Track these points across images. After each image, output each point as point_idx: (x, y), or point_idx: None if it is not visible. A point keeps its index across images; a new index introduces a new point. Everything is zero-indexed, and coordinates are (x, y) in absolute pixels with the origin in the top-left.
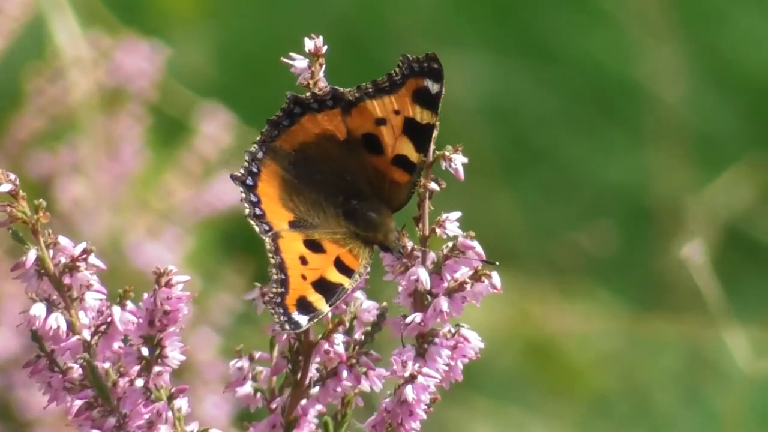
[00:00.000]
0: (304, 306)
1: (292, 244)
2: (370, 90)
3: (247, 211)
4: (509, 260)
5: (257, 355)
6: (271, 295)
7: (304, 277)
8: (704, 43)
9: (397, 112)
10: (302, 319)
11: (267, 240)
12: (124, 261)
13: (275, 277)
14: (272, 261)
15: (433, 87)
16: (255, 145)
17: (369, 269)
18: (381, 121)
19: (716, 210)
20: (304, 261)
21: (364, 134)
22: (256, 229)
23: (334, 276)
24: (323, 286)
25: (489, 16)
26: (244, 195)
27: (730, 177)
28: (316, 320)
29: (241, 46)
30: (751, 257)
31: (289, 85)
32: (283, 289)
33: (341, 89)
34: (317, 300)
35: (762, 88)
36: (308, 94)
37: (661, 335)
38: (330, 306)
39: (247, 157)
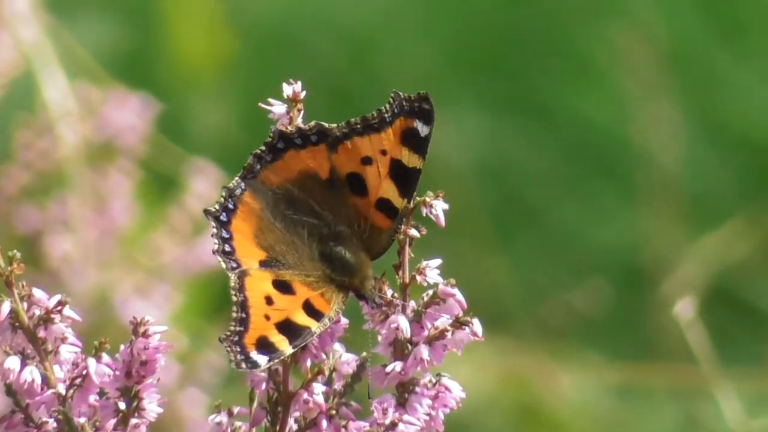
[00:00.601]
0: (265, 346)
1: (260, 284)
2: (359, 126)
3: (216, 246)
4: (500, 322)
5: (236, 410)
6: (228, 333)
7: (267, 317)
8: (699, 102)
9: (384, 152)
10: (261, 359)
11: (232, 277)
12: (112, 318)
13: (235, 315)
14: (234, 298)
15: (423, 129)
16: (235, 181)
17: (346, 320)
18: (367, 161)
19: (709, 267)
20: (269, 301)
21: (348, 173)
22: (223, 265)
23: (301, 318)
24: (288, 328)
25: (482, 73)
26: (215, 230)
27: (723, 234)
28: (275, 361)
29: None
30: (743, 315)
31: None
32: (242, 328)
33: (327, 125)
34: (279, 341)
35: (757, 147)
36: (292, 128)
37: (654, 397)
38: (294, 348)
39: (224, 193)
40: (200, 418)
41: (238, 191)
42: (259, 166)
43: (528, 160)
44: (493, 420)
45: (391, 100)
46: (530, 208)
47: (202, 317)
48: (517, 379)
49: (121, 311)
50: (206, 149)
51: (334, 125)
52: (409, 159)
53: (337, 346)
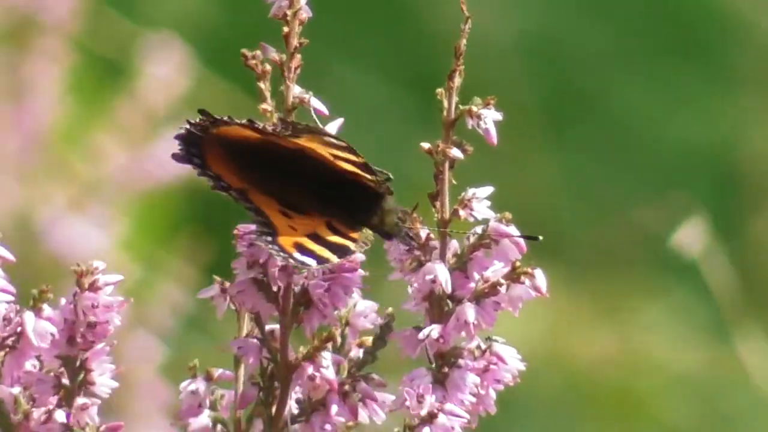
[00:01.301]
0: (306, 251)
1: (266, 201)
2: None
3: (198, 170)
4: (552, 248)
5: (217, 373)
6: (259, 233)
7: (293, 228)
8: None
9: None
10: (308, 260)
11: (231, 194)
12: (36, 245)
13: (256, 218)
14: (246, 206)
15: (337, 142)
16: (202, 117)
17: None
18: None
19: None
20: (286, 214)
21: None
22: (210, 182)
23: (330, 236)
24: (320, 240)
25: None
26: (186, 153)
27: None
28: (326, 264)
29: None
30: None
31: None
32: (270, 230)
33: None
34: (320, 249)
35: None
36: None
37: (757, 354)
38: (339, 257)
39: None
40: (156, 376)
41: (197, 137)
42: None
43: (586, 35)
44: (546, 385)
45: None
46: (590, 96)
47: (154, 242)
48: (574, 329)
49: (47, 236)
50: (164, 23)
51: None
52: (345, 155)
53: (354, 294)
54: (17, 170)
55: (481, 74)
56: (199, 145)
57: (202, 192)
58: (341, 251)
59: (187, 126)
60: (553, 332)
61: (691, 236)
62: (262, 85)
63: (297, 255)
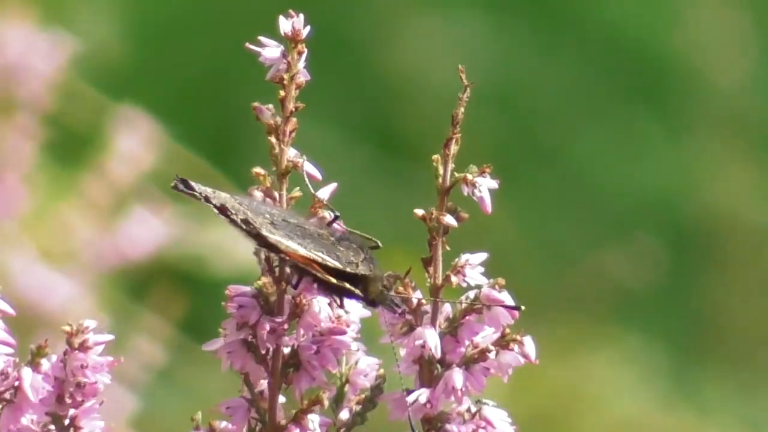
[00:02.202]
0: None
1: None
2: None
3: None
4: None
5: (221, 426)
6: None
7: None
8: None
9: None
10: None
11: None
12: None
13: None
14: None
15: None
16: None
17: (356, 325)
18: None
19: None
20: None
21: None
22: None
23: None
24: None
25: None
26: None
27: None
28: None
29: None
30: None
31: (254, 84)
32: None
33: None
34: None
35: None
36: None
37: (712, 397)
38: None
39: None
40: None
41: None
42: None
43: (546, 82)
44: None
45: None
46: (549, 143)
47: (126, 293)
48: (532, 374)
49: (19, 285)
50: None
51: None
52: None
53: (356, 346)
54: None
55: (436, 120)
56: None
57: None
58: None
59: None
60: (511, 379)
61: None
62: (273, 140)
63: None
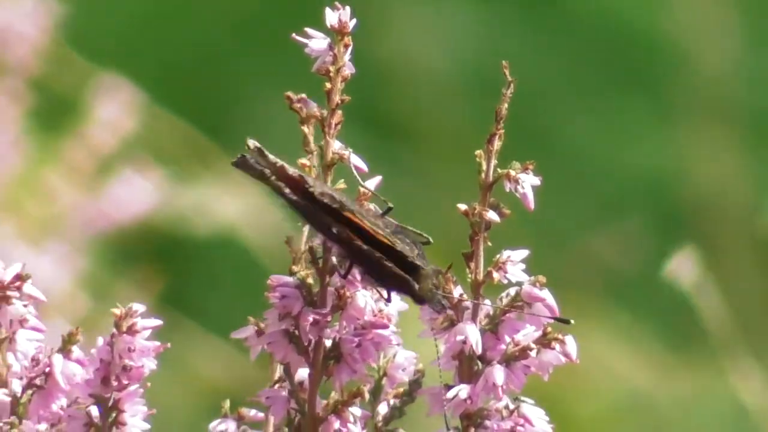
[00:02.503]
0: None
1: None
2: None
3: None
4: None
5: (251, 413)
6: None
7: None
8: None
9: None
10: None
11: None
12: None
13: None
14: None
15: None
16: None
17: (394, 324)
18: None
19: None
20: None
21: None
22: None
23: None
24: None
25: None
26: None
27: None
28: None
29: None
30: None
31: (223, 49)
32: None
33: None
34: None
35: None
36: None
37: (702, 378)
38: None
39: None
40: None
41: None
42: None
43: (534, 66)
44: None
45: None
46: (538, 127)
47: (107, 271)
48: None
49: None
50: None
51: None
52: None
53: (394, 340)
54: None
55: (423, 106)
56: None
57: (155, 234)
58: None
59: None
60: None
61: (683, 266)
62: (306, 129)
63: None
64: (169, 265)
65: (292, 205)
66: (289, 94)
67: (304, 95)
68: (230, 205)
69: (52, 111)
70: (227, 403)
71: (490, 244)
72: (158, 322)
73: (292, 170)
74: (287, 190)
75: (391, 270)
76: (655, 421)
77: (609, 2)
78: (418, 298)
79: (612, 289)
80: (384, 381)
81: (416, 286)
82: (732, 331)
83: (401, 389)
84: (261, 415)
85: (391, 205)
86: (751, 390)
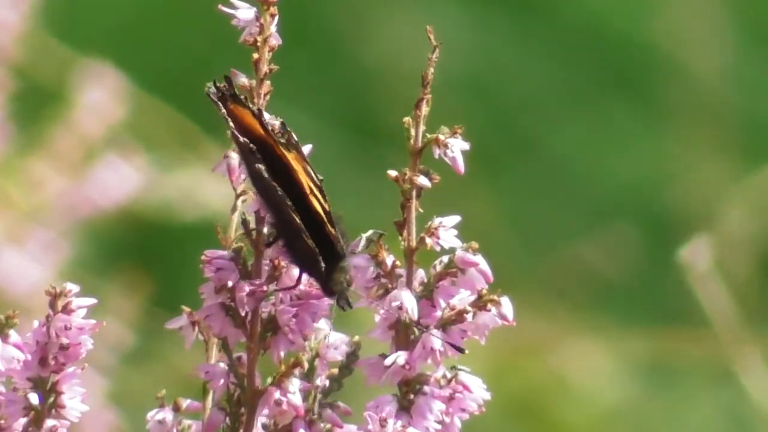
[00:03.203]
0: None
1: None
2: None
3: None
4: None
5: (185, 404)
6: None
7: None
8: None
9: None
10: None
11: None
12: None
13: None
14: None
15: (315, 176)
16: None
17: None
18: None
19: (762, 213)
20: None
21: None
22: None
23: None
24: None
25: None
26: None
27: None
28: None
29: None
30: None
31: (209, 31)
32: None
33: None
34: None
35: None
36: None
37: (691, 381)
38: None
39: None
40: (96, 408)
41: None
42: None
43: (525, 73)
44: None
45: (281, 130)
46: (529, 134)
47: (94, 272)
48: (512, 361)
49: None
50: (104, 49)
51: None
52: (318, 194)
53: (323, 323)
54: None
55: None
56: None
57: (142, 223)
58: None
59: (213, 89)
60: (491, 365)
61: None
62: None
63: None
64: (154, 252)
65: (241, 151)
66: (232, 70)
67: (234, 70)
68: (216, 192)
69: (36, 98)
70: (163, 392)
71: (421, 210)
72: (93, 300)
73: (252, 106)
74: (237, 133)
75: (309, 251)
76: (643, 429)
77: (599, 9)
78: (327, 289)
79: (600, 296)
80: (317, 362)
81: (327, 276)
82: (738, 324)
83: (334, 369)
84: (197, 404)
85: (321, 177)
86: (759, 387)
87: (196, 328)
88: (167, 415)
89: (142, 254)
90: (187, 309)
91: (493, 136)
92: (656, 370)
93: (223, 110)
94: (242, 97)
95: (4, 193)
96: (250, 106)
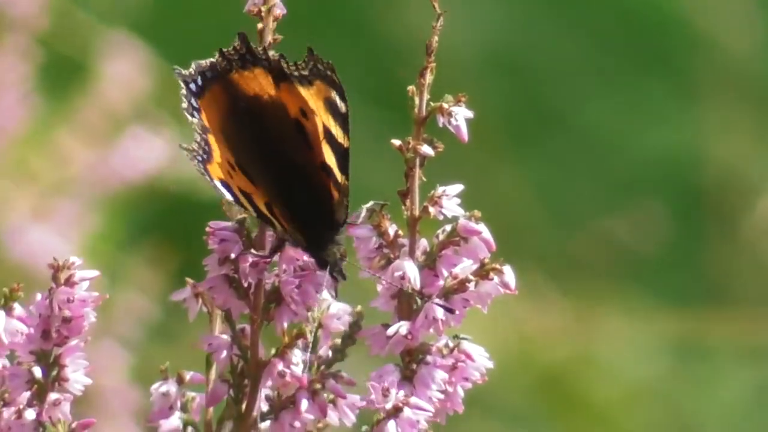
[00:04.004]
0: (227, 187)
1: (222, 151)
2: (295, 72)
3: (184, 103)
4: (518, 257)
5: (188, 376)
6: (194, 151)
7: (230, 175)
8: None
9: (313, 113)
10: (226, 192)
11: (194, 120)
12: (0, 250)
13: (198, 139)
14: (196, 130)
15: (341, 104)
16: (207, 62)
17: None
18: (304, 114)
19: None
20: (232, 167)
21: (294, 118)
22: (184, 104)
23: (263, 208)
24: (251, 203)
25: None
26: (185, 94)
27: None
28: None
29: None
30: None
31: (227, 8)
32: (205, 155)
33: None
34: (245, 201)
35: None
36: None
37: (721, 358)
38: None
39: (194, 67)
40: (120, 382)
41: (209, 74)
42: (229, 67)
43: (555, 49)
44: (511, 393)
45: (307, 57)
46: (558, 109)
47: (120, 248)
48: (540, 335)
49: (11, 241)
50: (127, 20)
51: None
52: (338, 133)
53: (326, 294)
54: None
55: (447, 86)
56: (209, 80)
57: (166, 197)
58: (265, 221)
59: (215, 60)
60: (519, 340)
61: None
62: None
63: (218, 183)
64: (180, 226)
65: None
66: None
67: (240, 32)
68: None
69: (61, 70)
70: (167, 365)
71: (424, 179)
72: (96, 273)
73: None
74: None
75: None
76: (671, 405)
77: None
78: (319, 259)
79: (630, 272)
80: (320, 333)
81: (321, 248)
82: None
83: (337, 340)
84: (200, 376)
85: (346, 108)
86: None
87: (200, 300)
88: (171, 387)
89: (168, 228)
90: (190, 281)
91: (524, 111)
92: (685, 346)
93: (192, 101)
94: (258, 48)
95: (29, 166)
96: (271, 54)
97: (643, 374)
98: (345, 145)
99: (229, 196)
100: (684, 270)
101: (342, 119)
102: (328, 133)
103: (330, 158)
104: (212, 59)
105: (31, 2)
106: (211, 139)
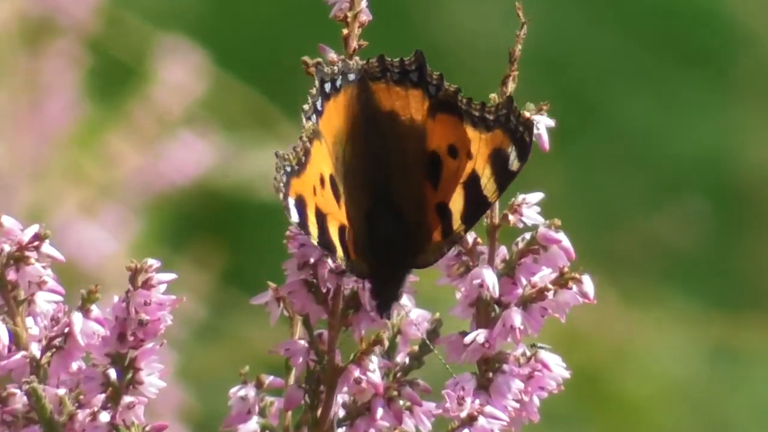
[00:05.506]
0: (301, 209)
1: (322, 158)
2: (476, 112)
3: (307, 104)
4: None
5: (267, 380)
6: (287, 159)
7: (315, 192)
8: None
9: (469, 156)
10: (294, 214)
11: (308, 124)
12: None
13: (298, 151)
14: (302, 139)
15: (514, 162)
16: (355, 62)
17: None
18: (453, 152)
19: None
20: (321, 182)
21: (432, 149)
22: (306, 105)
23: (333, 233)
24: (321, 227)
25: None
26: (315, 90)
27: None
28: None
29: None
30: None
31: (285, 11)
32: (297, 167)
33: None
34: (312, 224)
35: None
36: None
37: (755, 361)
38: (318, 243)
39: (340, 64)
40: (167, 384)
41: (351, 76)
42: (379, 75)
43: (594, 46)
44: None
45: (500, 102)
46: (596, 106)
47: (166, 247)
48: (577, 334)
49: (60, 239)
50: (179, 25)
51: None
52: (487, 185)
53: (405, 300)
54: (32, 172)
55: (487, 83)
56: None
57: (216, 200)
58: (326, 248)
59: (363, 63)
60: (555, 338)
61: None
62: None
63: (290, 202)
64: (227, 229)
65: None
66: (305, 59)
67: (323, 45)
68: None
69: (113, 73)
70: (246, 369)
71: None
72: (173, 276)
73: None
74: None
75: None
76: (704, 405)
77: None
78: (378, 296)
79: (669, 269)
80: (398, 339)
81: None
82: None
83: (415, 347)
84: (280, 380)
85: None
86: None
87: (281, 304)
88: (249, 391)
89: (215, 231)
90: (272, 285)
91: (566, 108)
92: (720, 348)
93: (318, 102)
94: (431, 71)
95: (80, 166)
96: (446, 84)
97: (678, 373)
98: (490, 200)
99: (295, 216)
100: (721, 270)
101: (505, 176)
102: (473, 179)
103: (455, 203)
104: (361, 61)
105: (82, 8)
106: (316, 147)
